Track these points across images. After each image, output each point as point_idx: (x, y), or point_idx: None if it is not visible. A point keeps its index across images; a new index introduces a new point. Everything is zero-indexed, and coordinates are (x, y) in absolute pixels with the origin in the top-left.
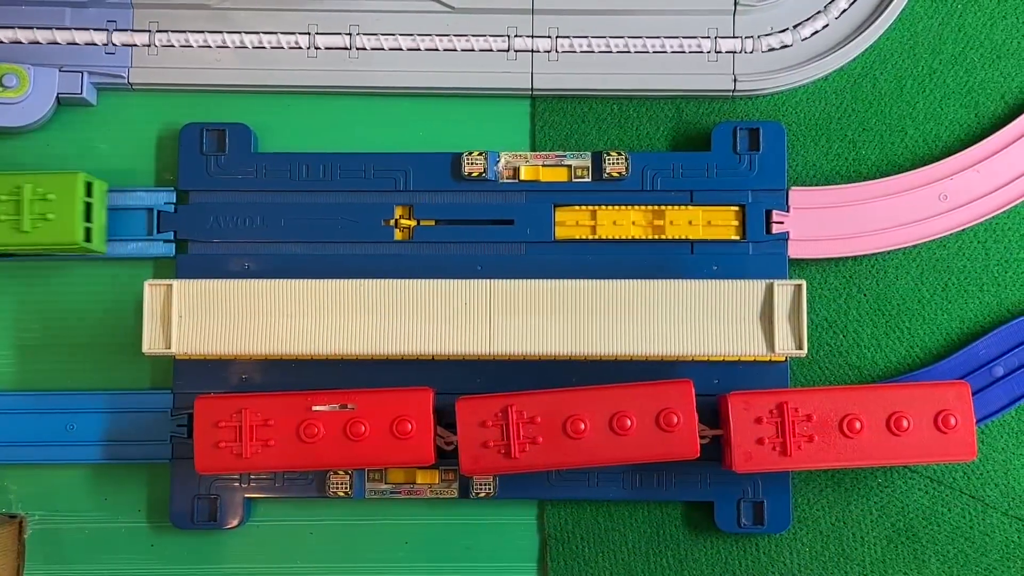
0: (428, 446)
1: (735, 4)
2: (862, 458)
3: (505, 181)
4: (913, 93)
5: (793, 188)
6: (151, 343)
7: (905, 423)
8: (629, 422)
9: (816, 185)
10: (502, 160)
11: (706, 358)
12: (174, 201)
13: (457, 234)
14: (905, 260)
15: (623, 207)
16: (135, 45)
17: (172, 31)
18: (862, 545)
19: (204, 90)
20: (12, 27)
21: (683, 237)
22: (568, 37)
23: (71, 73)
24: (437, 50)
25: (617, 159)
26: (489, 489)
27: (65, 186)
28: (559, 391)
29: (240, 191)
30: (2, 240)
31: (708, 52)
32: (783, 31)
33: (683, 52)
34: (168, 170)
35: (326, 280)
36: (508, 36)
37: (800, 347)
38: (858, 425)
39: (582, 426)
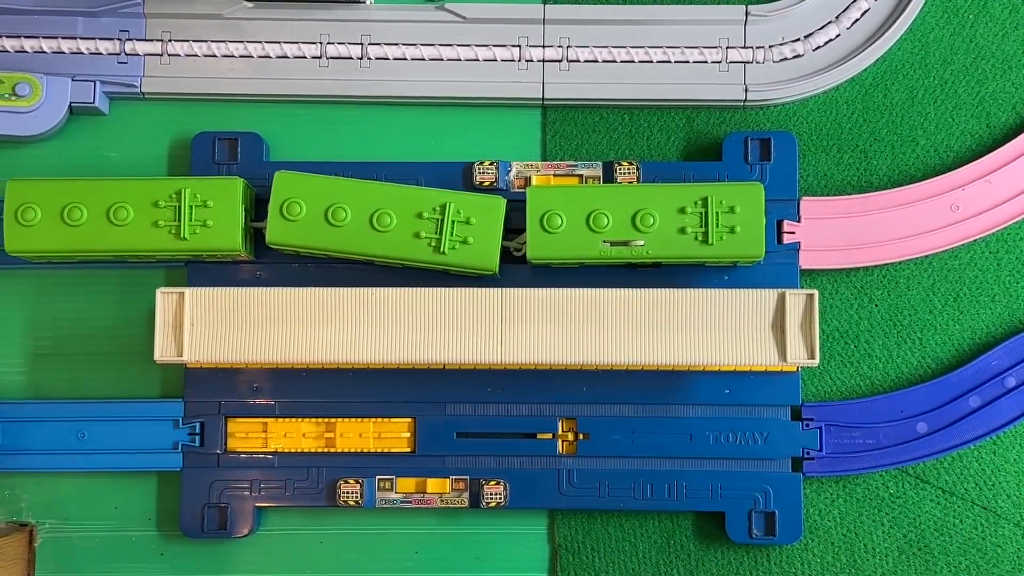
0: None
1: (746, 14)
2: None
3: (517, 190)
4: (924, 104)
5: (804, 198)
6: (163, 351)
7: None
8: None
9: (827, 195)
10: (513, 170)
11: (717, 368)
12: None
13: None
14: (917, 271)
15: None
16: (147, 55)
17: (184, 40)
18: (874, 556)
19: (216, 99)
20: (24, 36)
21: None
22: (579, 47)
23: (83, 82)
24: (448, 60)
25: (628, 169)
26: (499, 499)
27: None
28: None
29: None
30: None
31: (719, 62)
32: (794, 41)
33: (694, 62)
34: None
35: (338, 288)
36: (519, 46)
37: (812, 357)
38: None
39: None
